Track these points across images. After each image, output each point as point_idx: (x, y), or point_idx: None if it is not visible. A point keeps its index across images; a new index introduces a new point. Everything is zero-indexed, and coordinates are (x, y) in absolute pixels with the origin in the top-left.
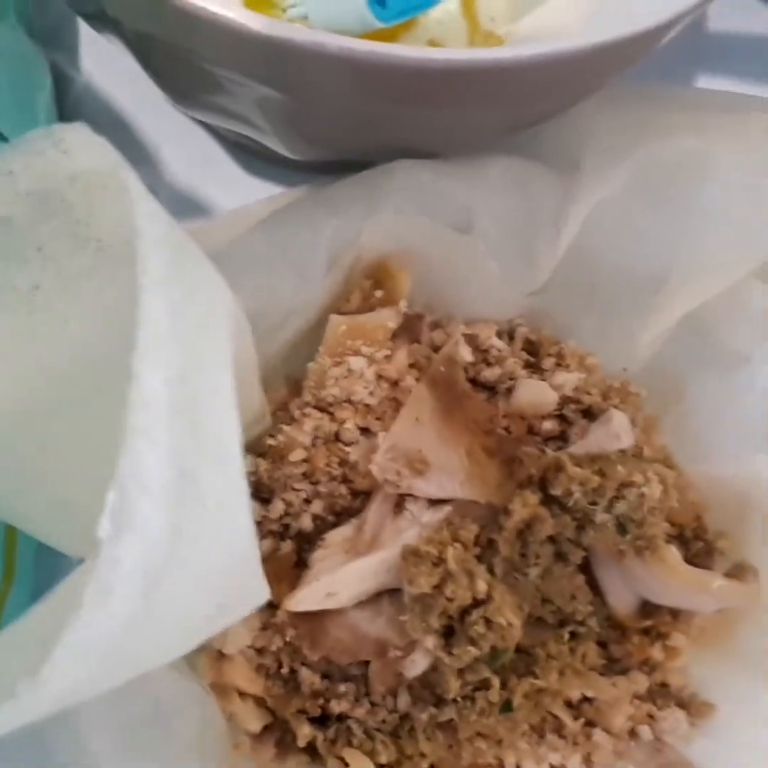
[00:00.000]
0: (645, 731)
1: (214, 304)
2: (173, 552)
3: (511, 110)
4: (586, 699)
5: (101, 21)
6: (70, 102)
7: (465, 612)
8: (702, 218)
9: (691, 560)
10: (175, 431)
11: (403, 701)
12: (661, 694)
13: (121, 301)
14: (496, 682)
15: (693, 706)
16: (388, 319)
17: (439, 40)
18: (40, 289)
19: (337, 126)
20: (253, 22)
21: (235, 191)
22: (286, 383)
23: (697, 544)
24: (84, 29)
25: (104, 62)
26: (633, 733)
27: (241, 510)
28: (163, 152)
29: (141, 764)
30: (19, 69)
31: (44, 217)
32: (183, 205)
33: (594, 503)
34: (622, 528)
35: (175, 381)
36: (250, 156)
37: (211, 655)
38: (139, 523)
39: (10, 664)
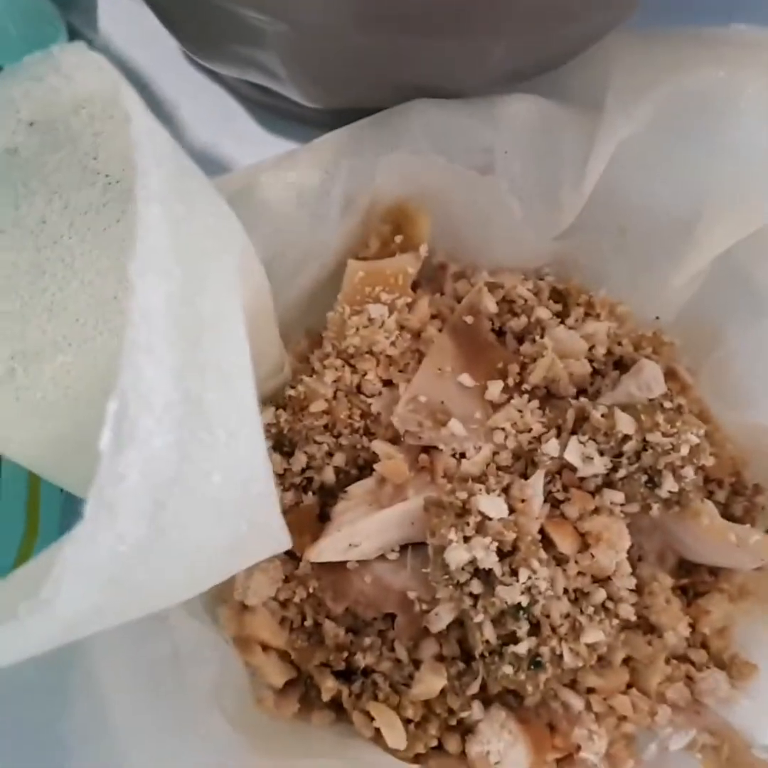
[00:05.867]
0: (683, 692)
1: (222, 231)
2: (181, 477)
3: (527, 37)
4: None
5: None
6: None
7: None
8: (732, 153)
9: (730, 517)
10: (178, 351)
11: (428, 657)
12: (700, 654)
13: (131, 237)
14: (524, 635)
15: (734, 667)
16: (407, 264)
17: None
18: (47, 224)
19: (347, 64)
20: None
21: (254, 149)
22: (307, 335)
23: (736, 500)
24: None
25: (121, 23)
26: (670, 694)
27: (255, 445)
28: (181, 112)
29: (155, 710)
30: (30, 20)
31: (50, 148)
32: (201, 164)
33: (619, 454)
34: (651, 481)
35: (176, 298)
36: (269, 113)
37: (233, 607)
38: (142, 437)
39: (18, 593)
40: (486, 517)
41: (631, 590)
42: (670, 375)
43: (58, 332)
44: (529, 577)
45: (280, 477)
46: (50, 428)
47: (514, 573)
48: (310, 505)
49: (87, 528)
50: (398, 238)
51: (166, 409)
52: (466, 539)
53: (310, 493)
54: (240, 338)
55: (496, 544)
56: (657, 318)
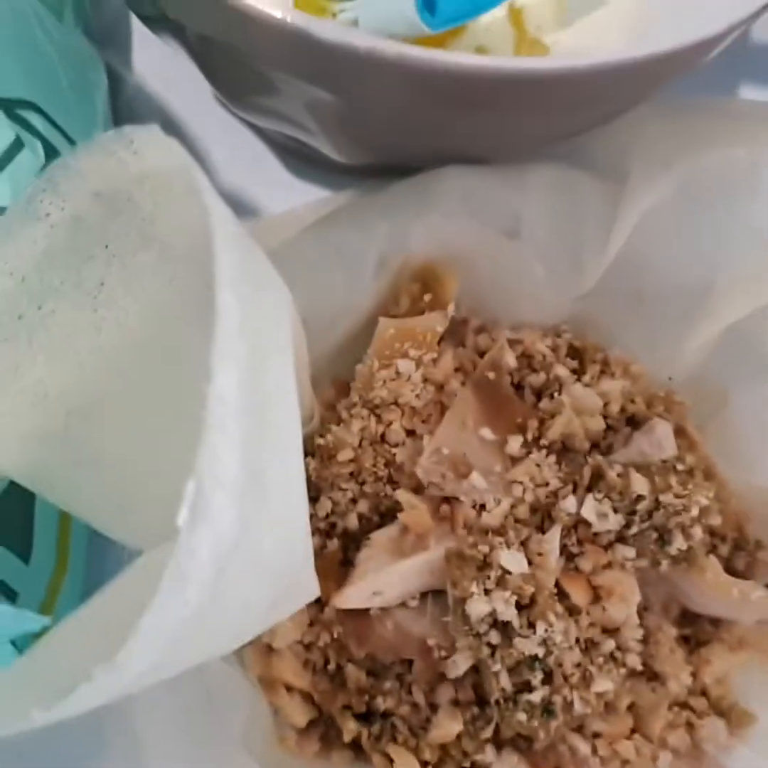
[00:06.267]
0: (684, 739)
1: (277, 303)
2: (239, 544)
3: (561, 117)
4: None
5: (161, 24)
6: (122, 102)
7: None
8: (748, 229)
9: (732, 570)
10: (245, 427)
11: (445, 701)
12: (700, 702)
13: (181, 298)
14: (538, 684)
15: (733, 715)
16: (436, 322)
17: (487, 47)
18: (105, 286)
19: (387, 130)
20: (314, 26)
21: (282, 194)
22: (333, 383)
23: (738, 555)
24: (136, 31)
25: (155, 64)
26: (672, 740)
27: (300, 509)
28: (211, 154)
29: (191, 753)
30: (78, 68)
31: (112, 216)
32: (230, 207)
33: (633, 512)
34: (661, 539)
35: (246, 378)
36: (298, 159)
37: (259, 649)
38: (214, 515)
39: (85, 648)
40: (506, 572)
41: (638, 640)
42: (679, 433)
43: (111, 389)
44: (546, 630)
45: None
46: (97, 480)
47: (532, 625)
48: (334, 551)
49: (162, 599)
50: (427, 297)
51: (233, 485)
52: (487, 592)
53: (334, 538)
54: (294, 409)
55: (515, 597)
56: (670, 378)
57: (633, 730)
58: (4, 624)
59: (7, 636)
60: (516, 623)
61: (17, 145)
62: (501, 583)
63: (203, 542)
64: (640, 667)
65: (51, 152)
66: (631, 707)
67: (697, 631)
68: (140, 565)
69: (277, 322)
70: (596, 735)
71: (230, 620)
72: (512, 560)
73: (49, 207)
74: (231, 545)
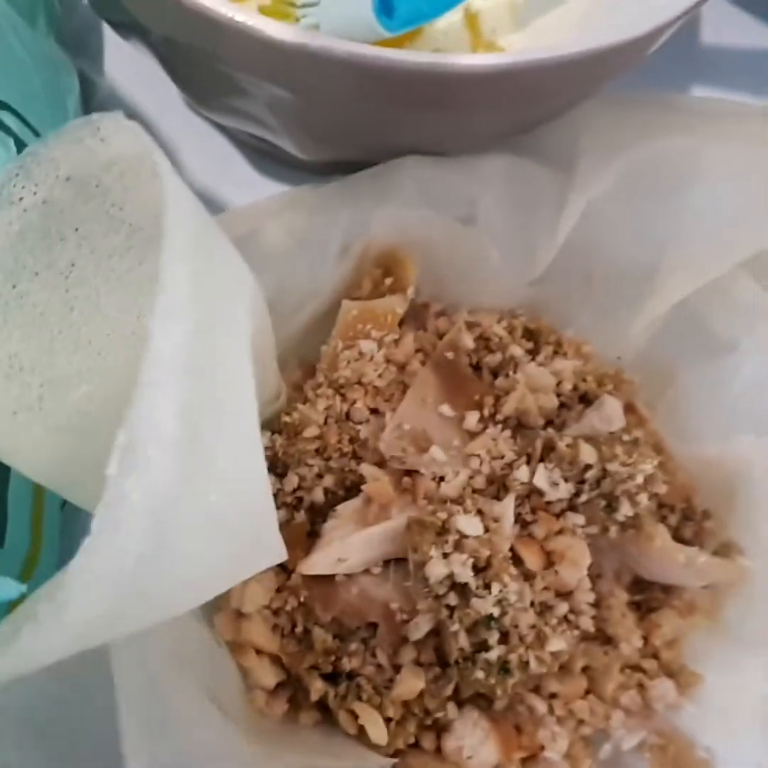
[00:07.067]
0: (635, 698)
1: (235, 278)
2: (183, 500)
3: (512, 112)
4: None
5: (130, 29)
6: (94, 106)
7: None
8: (691, 213)
9: (680, 539)
10: (188, 387)
11: (407, 662)
12: (651, 664)
13: (150, 278)
14: (495, 644)
15: (682, 676)
16: (396, 304)
17: (443, 49)
18: (76, 267)
19: (344, 126)
20: (271, 28)
21: (249, 191)
22: (300, 365)
23: (686, 525)
24: (107, 37)
25: (126, 68)
26: (624, 700)
27: (255, 470)
28: (181, 154)
29: (158, 704)
30: (51, 73)
31: (82, 200)
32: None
33: (582, 481)
34: (609, 506)
35: (191, 343)
36: (263, 158)
37: (229, 614)
38: (146, 464)
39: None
40: (463, 536)
41: (591, 604)
42: (629, 409)
43: (82, 363)
44: (501, 591)
45: (274, 496)
46: (71, 450)
47: (487, 587)
48: (301, 523)
49: (94, 542)
50: (388, 281)
51: (170, 439)
52: (445, 555)
53: (301, 511)
54: (247, 376)
55: (471, 560)
56: (618, 358)
57: (587, 691)
58: None
59: None
60: (473, 584)
61: None
62: (458, 546)
63: (135, 490)
64: (592, 630)
65: (23, 150)
66: (585, 669)
67: (648, 597)
68: None
69: (234, 295)
70: (552, 696)
71: (186, 574)
72: (469, 524)
73: (22, 191)
74: (171, 497)
